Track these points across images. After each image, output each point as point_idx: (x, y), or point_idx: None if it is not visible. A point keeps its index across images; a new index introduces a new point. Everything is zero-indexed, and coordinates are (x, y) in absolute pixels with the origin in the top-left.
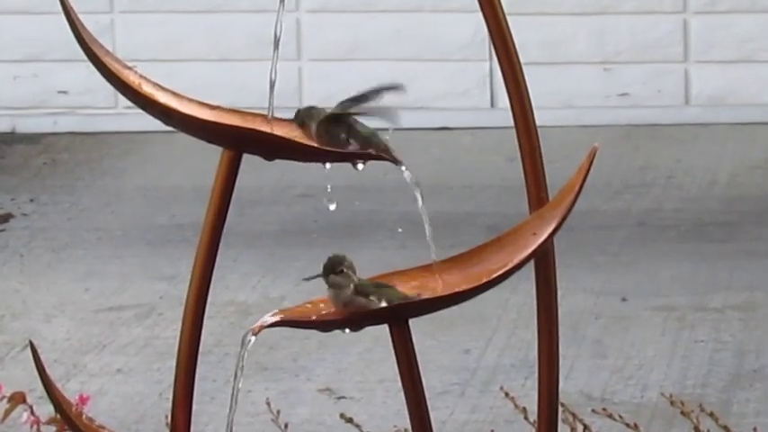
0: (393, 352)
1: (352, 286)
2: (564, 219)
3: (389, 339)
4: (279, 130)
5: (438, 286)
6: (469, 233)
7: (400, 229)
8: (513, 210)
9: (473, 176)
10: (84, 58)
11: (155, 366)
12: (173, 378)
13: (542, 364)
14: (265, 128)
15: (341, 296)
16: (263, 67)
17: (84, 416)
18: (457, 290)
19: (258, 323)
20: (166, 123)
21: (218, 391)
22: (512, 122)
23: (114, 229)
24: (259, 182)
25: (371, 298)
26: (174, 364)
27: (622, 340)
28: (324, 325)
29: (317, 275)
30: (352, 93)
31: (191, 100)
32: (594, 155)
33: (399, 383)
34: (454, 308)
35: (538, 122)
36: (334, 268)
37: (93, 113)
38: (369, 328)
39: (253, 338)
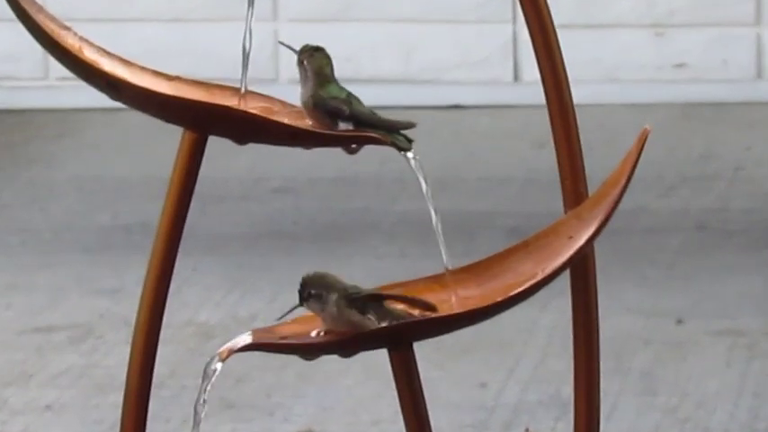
0: (392, 385)
1: (334, 298)
2: (607, 219)
3: (387, 369)
4: (254, 107)
5: (450, 302)
6: (487, 237)
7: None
8: (540, 209)
9: (492, 167)
10: (6, 17)
11: (93, 402)
12: (117, 417)
13: (578, 402)
14: (237, 104)
15: (327, 317)
16: (229, 30)
17: None
18: (473, 307)
19: (226, 346)
20: (113, 98)
21: None
22: (541, 99)
23: (43, 230)
24: (226, 172)
25: (369, 316)
26: (117, 399)
27: (677, 372)
28: (307, 349)
29: (293, 308)
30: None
31: (144, 69)
32: (645, 139)
33: (399, 424)
34: (469, 331)
35: (574, 100)
36: (301, 294)
37: (17, 86)
38: (362, 357)
39: (219, 366)
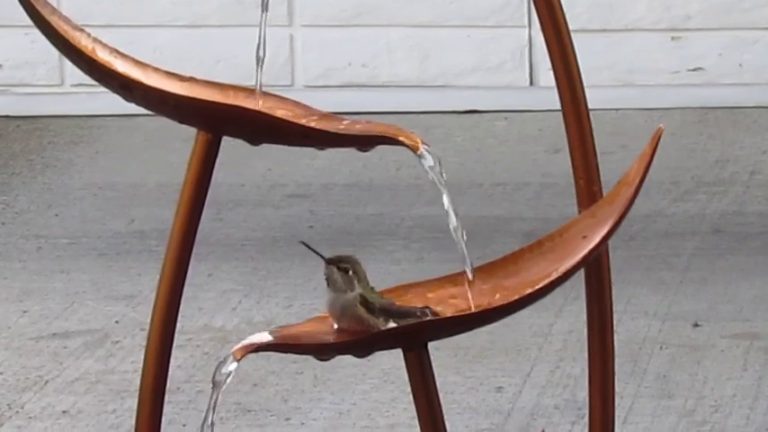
0: (408, 390)
1: (357, 295)
2: (621, 218)
3: (403, 374)
4: (268, 107)
5: (465, 302)
6: (502, 242)
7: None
8: (556, 213)
9: (507, 171)
10: (22, 23)
11: (109, 408)
12: (132, 422)
13: (594, 406)
14: (251, 104)
15: (339, 302)
16: (243, 35)
17: None
18: (489, 306)
19: (240, 345)
20: (127, 99)
21: None
22: (556, 104)
23: (59, 236)
24: (241, 177)
25: (381, 318)
26: (133, 404)
27: (694, 375)
28: (321, 349)
29: (318, 254)
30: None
31: (157, 70)
32: (659, 139)
33: (415, 429)
34: (484, 336)
35: (589, 104)
36: (339, 262)
37: (33, 92)
38: (378, 361)
39: (234, 366)
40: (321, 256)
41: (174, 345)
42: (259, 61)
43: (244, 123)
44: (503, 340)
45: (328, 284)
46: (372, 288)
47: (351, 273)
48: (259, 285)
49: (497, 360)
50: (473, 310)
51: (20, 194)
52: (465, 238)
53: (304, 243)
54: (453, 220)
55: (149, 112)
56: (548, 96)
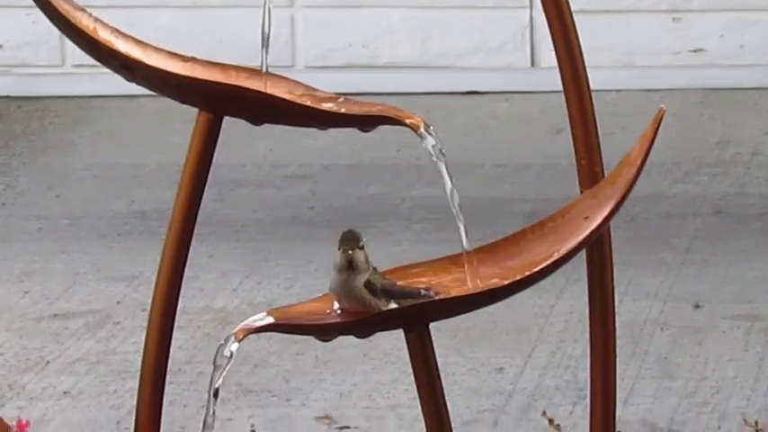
0: (409, 371)
1: (364, 276)
2: (623, 199)
3: (404, 355)
4: (270, 87)
5: (466, 282)
6: (504, 223)
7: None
8: (558, 194)
9: (509, 153)
10: (23, 3)
11: (110, 388)
12: (133, 403)
13: (595, 387)
14: (252, 84)
15: (346, 283)
16: (245, 16)
17: None
18: (489, 287)
19: (242, 325)
20: (128, 78)
21: (190, 419)
22: (558, 85)
23: (59, 217)
24: (242, 158)
25: (382, 299)
26: (134, 385)
27: (695, 357)
28: (323, 330)
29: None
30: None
31: (158, 49)
32: (661, 119)
33: (416, 410)
34: (485, 317)
35: (591, 85)
36: (357, 242)
37: (34, 73)
38: (380, 342)
39: (235, 347)
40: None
41: (175, 326)
42: (263, 39)
43: (245, 103)
44: (504, 321)
45: (344, 266)
46: (375, 268)
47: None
48: (260, 266)
49: (498, 341)
50: (475, 290)
51: (21, 175)
52: (458, 199)
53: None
54: (448, 184)
55: (151, 93)
56: (549, 77)
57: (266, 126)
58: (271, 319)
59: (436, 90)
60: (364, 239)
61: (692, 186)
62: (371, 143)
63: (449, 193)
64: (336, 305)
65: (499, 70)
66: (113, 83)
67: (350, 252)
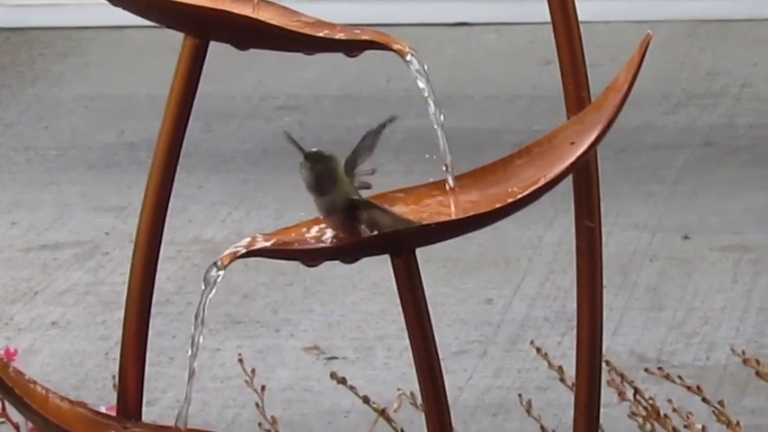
0: (397, 302)
1: (336, 197)
2: (609, 124)
3: (391, 287)
4: (259, 13)
5: (452, 207)
6: (494, 154)
7: (428, 155)
8: (547, 125)
9: (498, 84)
10: None
11: (99, 319)
12: (121, 333)
13: (583, 317)
14: (238, 8)
15: (322, 204)
16: None
17: (11, 368)
18: (474, 212)
19: (228, 251)
20: (113, 2)
21: (178, 350)
22: (547, 17)
23: (48, 148)
24: (231, 89)
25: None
26: (122, 315)
27: (683, 288)
28: (308, 254)
29: (299, 147)
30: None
31: None
32: (648, 44)
33: (404, 341)
34: (474, 248)
35: (579, 17)
36: (314, 161)
37: (22, 4)
38: (368, 273)
39: (221, 274)
40: (301, 150)
41: (164, 257)
42: None
43: (231, 28)
44: (492, 252)
45: (309, 184)
46: (357, 191)
47: (327, 171)
48: (249, 197)
49: (487, 272)
50: (458, 216)
51: (9, 106)
52: (443, 118)
53: (288, 135)
54: (432, 107)
55: (140, 24)
56: (538, 8)
57: (255, 58)
58: (257, 244)
59: (425, 21)
60: (325, 162)
61: (681, 118)
62: (361, 75)
63: (431, 113)
64: (326, 230)
65: (488, 1)
66: (102, 14)
67: (311, 169)
